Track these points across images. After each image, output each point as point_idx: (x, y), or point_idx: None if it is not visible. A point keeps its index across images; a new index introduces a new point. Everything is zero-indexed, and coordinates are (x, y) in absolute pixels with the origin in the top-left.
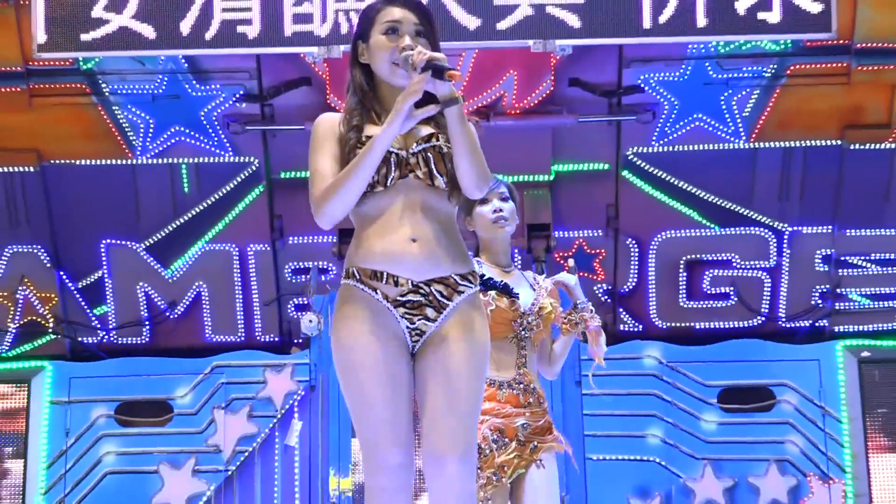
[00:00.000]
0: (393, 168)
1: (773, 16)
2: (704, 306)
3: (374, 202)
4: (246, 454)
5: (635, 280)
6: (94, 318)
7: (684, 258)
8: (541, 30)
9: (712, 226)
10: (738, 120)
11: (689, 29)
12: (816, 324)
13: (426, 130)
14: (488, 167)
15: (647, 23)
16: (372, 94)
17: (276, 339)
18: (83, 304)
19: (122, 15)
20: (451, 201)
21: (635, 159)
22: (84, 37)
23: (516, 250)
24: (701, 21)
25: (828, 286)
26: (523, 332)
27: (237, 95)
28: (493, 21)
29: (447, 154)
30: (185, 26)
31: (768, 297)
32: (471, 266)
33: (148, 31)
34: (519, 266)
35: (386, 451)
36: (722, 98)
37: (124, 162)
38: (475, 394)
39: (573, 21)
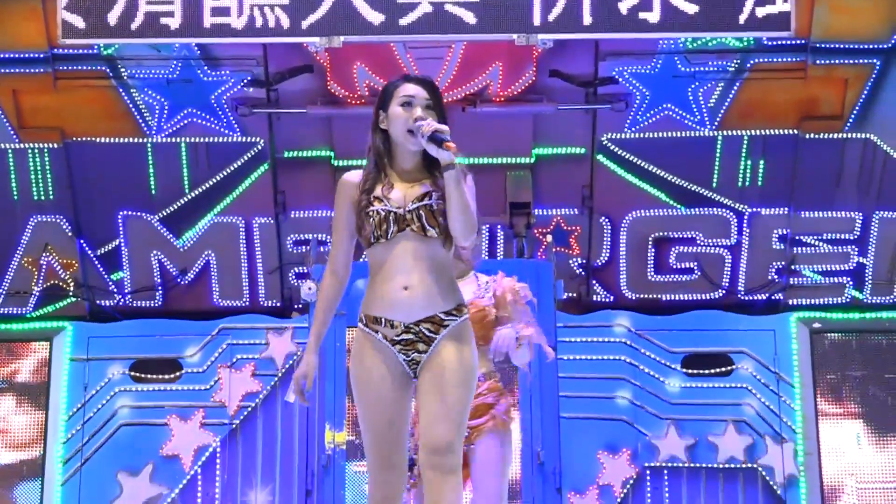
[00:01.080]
0: (392, 224)
1: (741, 16)
2: (670, 280)
3: (378, 253)
4: (249, 409)
5: (608, 255)
6: (111, 283)
7: (652, 235)
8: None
9: (678, 206)
10: (704, 110)
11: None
12: (772, 297)
13: (422, 189)
14: (471, 203)
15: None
16: (388, 155)
17: (278, 304)
18: (101, 269)
19: (141, 3)
20: (444, 247)
21: (609, 144)
22: (106, 23)
23: (499, 226)
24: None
25: (783, 263)
26: None
27: (245, 81)
28: (490, 15)
29: (437, 210)
30: (206, 17)
31: (729, 272)
32: (456, 301)
33: (168, 21)
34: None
35: (378, 470)
36: (689, 90)
37: (140, 140)
38: (464, 404)
39: (552, 16)
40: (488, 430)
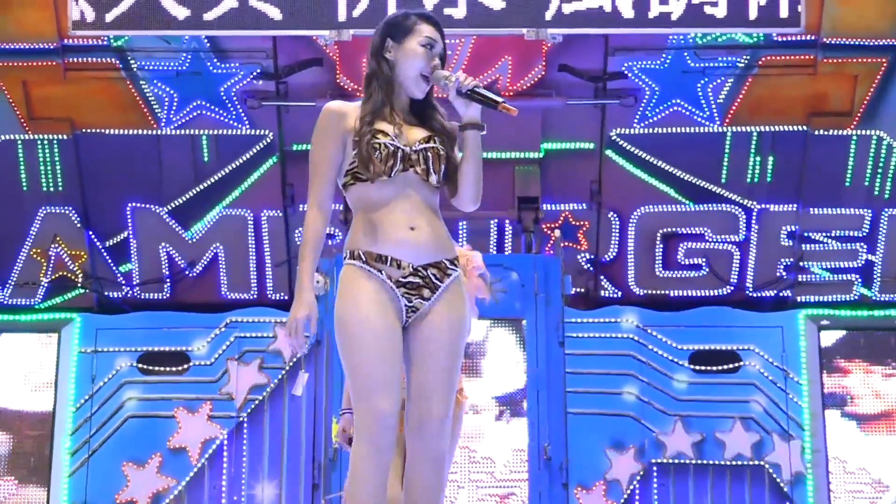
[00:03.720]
0: (398, 162)
1: (751, 12)
2: (678, 276)
3: (378, 191)
4: (256, 402)
5: (616, 250)
6: (119, 275)
7: (661, 231)
8: (535, 18)
9: (687, 202)
10: (713, 105)
11: (668, 22)
12: (781, 294)
13: (423, 133)
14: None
15: (629, 14)
16: (391, 87)
17: (286, 297)
18: (110, 261)
19: None
20: (437, 196)
21: (618, 140)
22: (115, 16)
23: (507, 221)
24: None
25: (792, 259)
26: None
27: (254, 73)
28: (488, 7)
29: (442, 156)
30: (211, 10)
31: (737, 269)
32: (455, 252)
33: (176, 12)
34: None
35: (377, 398)
36: (699, 85)
37: (150, 132)
38: (456, 363)
39: (567, 8)
40: None
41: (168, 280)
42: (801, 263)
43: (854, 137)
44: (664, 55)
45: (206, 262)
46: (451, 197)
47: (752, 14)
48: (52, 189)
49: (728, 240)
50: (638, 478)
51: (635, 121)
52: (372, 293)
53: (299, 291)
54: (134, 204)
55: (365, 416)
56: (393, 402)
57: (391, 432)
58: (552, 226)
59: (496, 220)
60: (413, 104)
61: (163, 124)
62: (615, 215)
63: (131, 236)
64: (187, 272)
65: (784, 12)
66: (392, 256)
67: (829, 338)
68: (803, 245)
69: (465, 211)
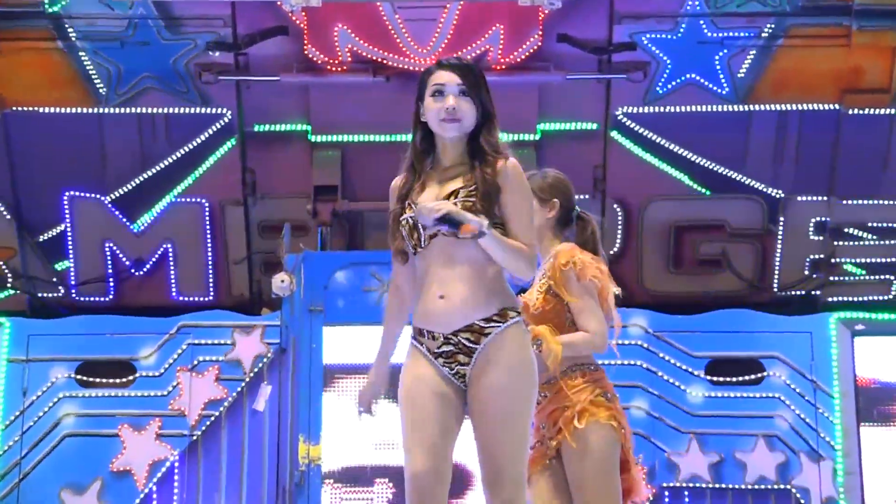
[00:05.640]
0: (423, 231)
1: None
2: (693, 274)
3: (419, 264)
4: (212, 419)
5: (622, 246)
6: (55, 274)
7: (673, 224)
8: None
9: (703, 190)
10: (733, 81)
11: None
12: (809, 294)
13: (452, 186)
14: (523, 249)
15: None
16: (430, 151)
17: (246, 299)
18: (44, 258)
19: None
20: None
21: (624, 119)
22: None
23: None
24: None
25: (822, 255)
26: None
27: (210, 43)
28: None
29: (466, 208)
30: None
31: (760, 266)
32: (500, 305)
33: None
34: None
35: (410, 458)
36: (716, 58)
37: (90, 110)
38: (516, 429)
39: None
40: (548, 440)
41: (111, 279)
42: (832, 260)
43: (893, 116)
44: (677, 23)
45: (154, 259)
46: None
47: None
48: None
49: (750, 233)
50: None
51: (644, 98)
52: (415, 366)
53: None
54: (71, 192)
55: (405, 476)
56: (426, 461)
57: (422, 492)
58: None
59: None
60: (470, 149)
61: (105, 101)
62: (621, 206)
63: (69, 229)
64: (133, 270)
65: None
66: (426, 329)
67: (864, 344)
68: (835, 239)
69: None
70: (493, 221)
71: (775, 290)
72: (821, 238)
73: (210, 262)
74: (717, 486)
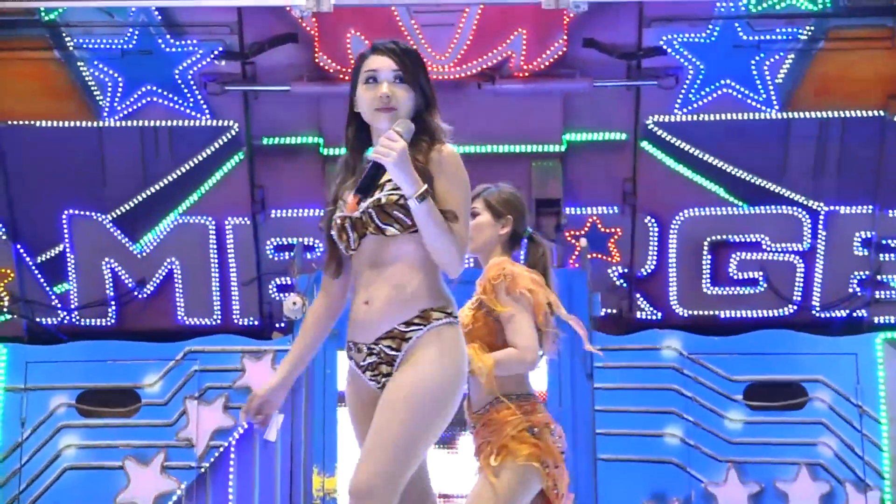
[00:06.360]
0: (350, 231)
1: None
2: (730, 293)
3: (353, 265)
4: (221, 449)
5: (654, 263)
6: (54, 297)
7: (709, 239)
8: None
9: (740, 204)
10: (771, 87)
11: None
12: (854, 314)
13: (383, 177)
14: (462, 241)
15: None
16: (366, 143)
17: (256, 322)
18: (42, 280)
19: None
20: (413, 242)
21: (655, 129)
22: None
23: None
24: None
25: (867, 272)
26: None
27: (216, 52)
28: None
29: (388, 202)
30: None
31: (801, 284)
32: (422, 306)
33: None
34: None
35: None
36: (753, 62)
37: (90, 124)
38: (406, 437)
39: None
40: (478, 472)
41: (113, 303)
42: (878, 277)
43: None
44: (711, 26)
45: (158, 281)
46: None
47: None
48: None
49: (790, 249)
50: None
51: (676, 106)
52: (352, 383)
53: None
54: (71, 211)
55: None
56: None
57: None
58: (577, 233)
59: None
60: (411, 141)
61: (105, 115)
62: (653, 220)
63: (68, 250)
64: (136, 293)
65: None
66: (353, 341)
67: None
68: (881, 254)
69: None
70: None
71: (818, 309)
72: (866, 253)
73: (217, 284)
74: None
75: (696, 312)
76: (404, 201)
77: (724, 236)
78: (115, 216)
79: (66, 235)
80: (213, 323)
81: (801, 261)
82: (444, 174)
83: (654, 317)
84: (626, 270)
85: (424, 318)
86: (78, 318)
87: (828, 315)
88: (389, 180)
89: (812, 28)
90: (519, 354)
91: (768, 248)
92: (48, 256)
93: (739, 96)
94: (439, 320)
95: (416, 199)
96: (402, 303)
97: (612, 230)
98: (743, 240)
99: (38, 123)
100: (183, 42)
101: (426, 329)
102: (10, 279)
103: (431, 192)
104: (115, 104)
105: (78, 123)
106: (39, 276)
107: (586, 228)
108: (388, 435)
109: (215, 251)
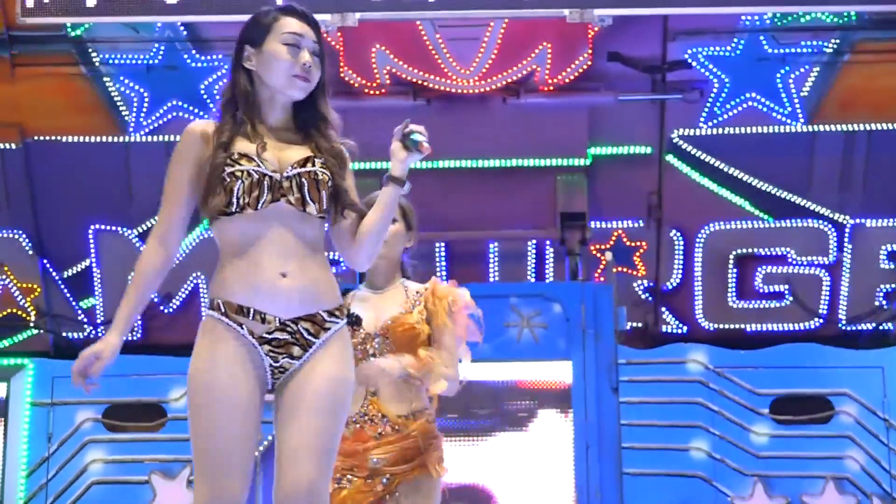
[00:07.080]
0: (265, 191)
1: None
2: (756, 306)
3: (243, 227)
4: None
5: (680, 276)
6: (80, 312)
7: (734, 253)
8: None
9: (766, 217)
10: (796, 100)
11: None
12: (880, 327)
13: (303, 153)
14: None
15: None
16: (253, 102)
17: None
18: (68, 295)
19: None
20: (320, 229)
21: (681, 142)
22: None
23: (548, 242)
24: None
25: (893, 285)
26: (365, 360)
27: None
28: None
29: (322, 181)
30: None
31: (827, 297)
32: (339, 300)
33: None
34: (408, 276)
35: (227, 480)
36: (778, 76)
37: (116, 139)
38: (334, 431)
39: None
40: (414, 479)
41: (140, 317)
42: None
43: None
44: (735, 39)
45: (185, 295)
46: (341, 243)
47: None
48: None
49: (816, 262)
50: None
51: (701, 119)
52: (230, 353)
53: (109, 330)
54: (97, 226)
55: (208, 500)
56: (243, 485)
57: None
58: (602, 247)
59: (534, 241)
60: (297, 118)
61: (131, 130)
62: (678, 234)
63: (94, 265)
64: (162, 307)
65: None
66: (255, 308)
67: None
68: None
69: (351, 267)
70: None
71: (844, 322)
72: (892, 266)
73: None
74: None
75: (721, 326)
76: (331, 185)
77: (750, 249)
78: (141, 231)
79: (93, 250)
80: None
81: (826, 274)
82: (349, 170)
83: (679, 330)
84: (651, 284)
85: (340, 312)
86: (104, 332)
87: (854, 328)
88: (313, 157)
89: (837, 41)
90: (452, 374)
91: (794, 262)
92: (75, 271)
93: (764, 109)
94: (346, 320)
95: (397, 184)
96: (327, 289)
97: (638, 244)
98: (769, 253)
99: (64, 139)
100: (208, 57)
101: (342, 324)
102: (36, 294)
103: (343, 183)
104: (142, 119)
105: (104, 139)
106: (66, 290)
107: (611, 242)
108: (325, 430)
109: None
